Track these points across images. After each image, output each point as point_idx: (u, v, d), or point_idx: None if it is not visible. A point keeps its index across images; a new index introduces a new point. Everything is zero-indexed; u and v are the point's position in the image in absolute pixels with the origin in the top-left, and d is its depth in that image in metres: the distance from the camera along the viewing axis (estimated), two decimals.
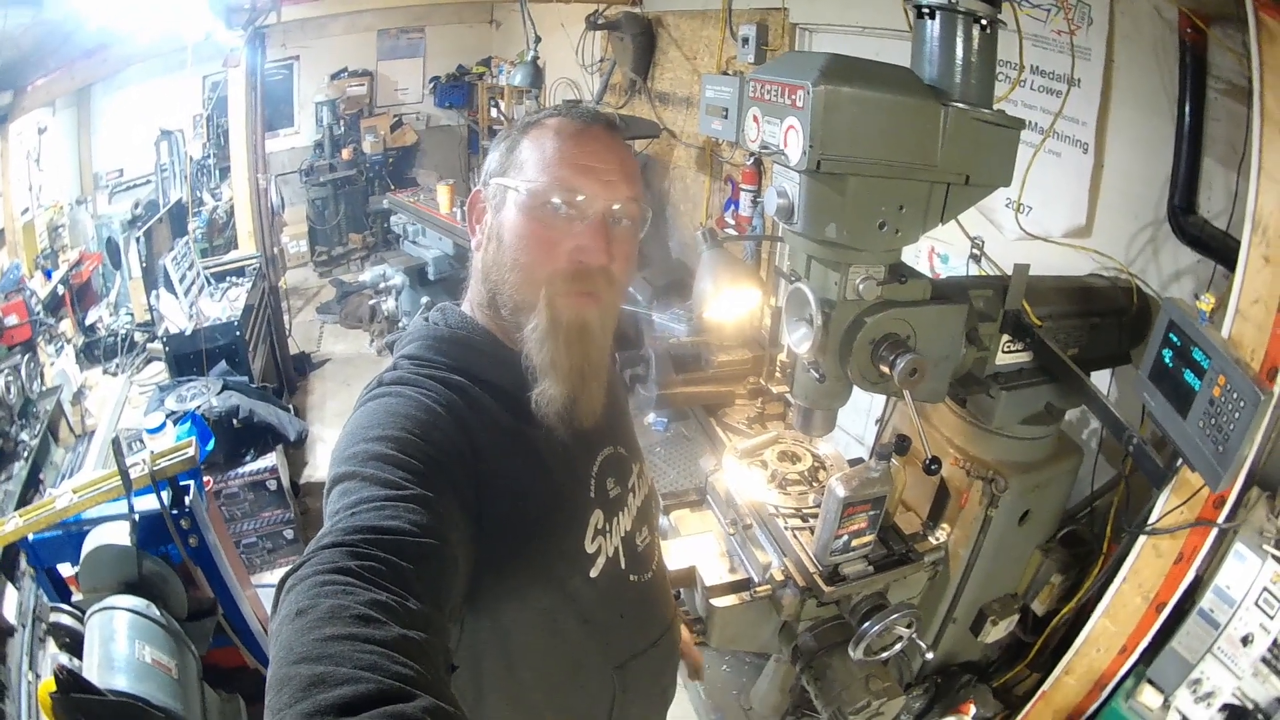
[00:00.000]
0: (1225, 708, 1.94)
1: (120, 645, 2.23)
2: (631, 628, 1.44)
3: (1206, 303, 1.76)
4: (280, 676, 0.70)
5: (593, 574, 1.30)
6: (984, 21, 1.54)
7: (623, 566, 1.39)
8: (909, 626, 1.96)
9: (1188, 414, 1.74)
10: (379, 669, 0.71)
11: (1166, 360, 1.84)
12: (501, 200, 1.23)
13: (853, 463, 2.24)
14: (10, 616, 3.25)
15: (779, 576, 1.99)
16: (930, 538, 2.12)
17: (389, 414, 1.07)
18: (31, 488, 4.20)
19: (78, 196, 6.36)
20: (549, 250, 1.20)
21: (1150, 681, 2.03)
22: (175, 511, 2.61)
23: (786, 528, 2.07)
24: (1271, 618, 1.80)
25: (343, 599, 0.78)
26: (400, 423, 1.06)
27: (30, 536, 2.56)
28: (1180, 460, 1.84)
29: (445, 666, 0.85)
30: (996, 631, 2.33)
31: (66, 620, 2.42)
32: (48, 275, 5.59)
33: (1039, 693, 2.27)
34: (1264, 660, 1.85)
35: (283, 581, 0.84)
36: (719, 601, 2.01)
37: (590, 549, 1.29)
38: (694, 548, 2.16)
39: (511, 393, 1.22)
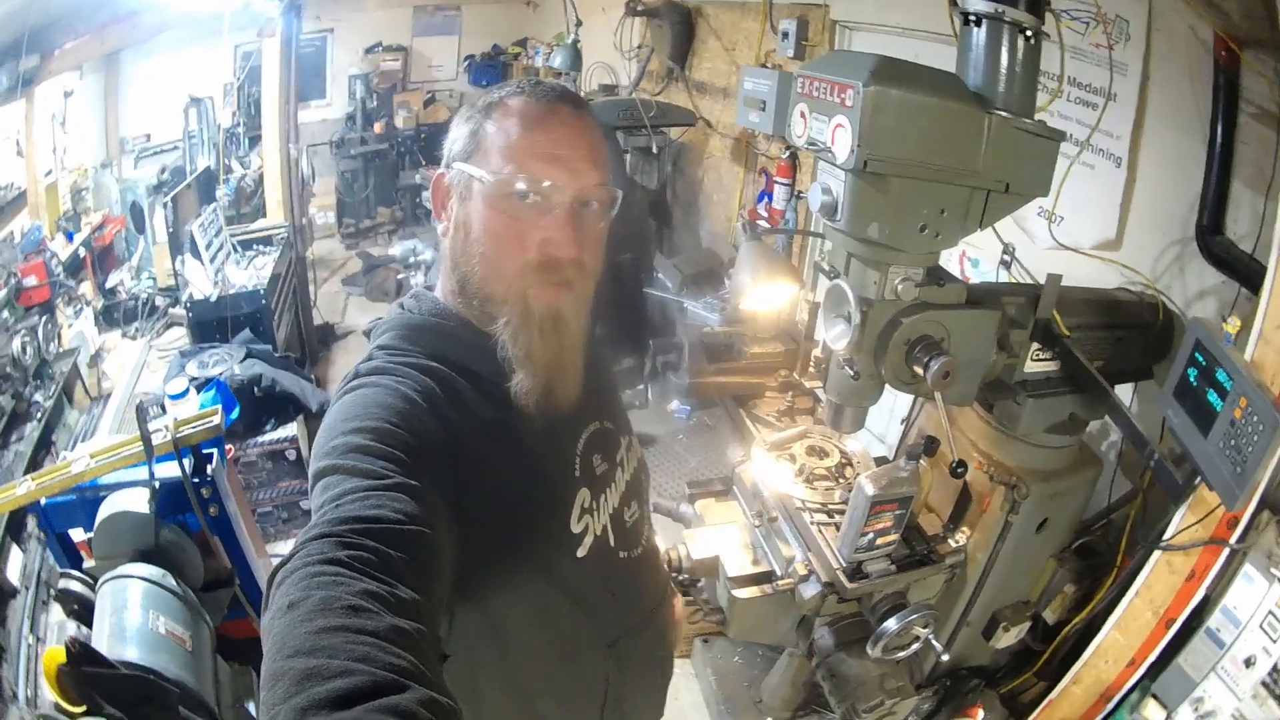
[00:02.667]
0: None
1: (133, 615, 2.19)
2: (623, 605, 1.45)
3: (1233, 325, 1.78)
4: (274, 671, 0.71)
5: (580, 554, 1.30)
6: (1029, 32, 1.56)
7: (612, 544, 1.39)
8: (926, 627, 1.98)
9: (1209, 433, 1.75)
10: (372, 660, 0.72)
11: (1191, 379, 1.85)
12: (467, 188, 1.21)
13: (878, 461, 2.26)
14: (14, 579, 3.24)
15: (802, 570, 2.01)
16: (950, 540, 2.13)
17: (367, 405, 1.08)
18: (43, 449, 4.20)
19: (103, 160, 6.37)
20: (518, 243, 1.19)
21: (1154, 696, 2.04)
22: (196, 480, 2.58)
23: (812, 522, 2.08)
24: (1275, 641, 1.80)
25: (333, 590, 0.79)
26: (378, 413, 1.06)
27: (42, 501, 2.52)
28: (1199, 478, 1.85)
29: (437, 655, 0.86)
30: (1008, 638, 2.34)
31: (76, 587, 2.39)
32: (69, 237, 5.59)
33: (1045, 701, 2.27)
34: (1264, 684, 1.85)
35: (273, 575, 0.85)
36: (741, 593, 2.03)
37: (576, 529, 1.29)
38: (718, 538, 2.18)
39: (489, 378, 1.22)
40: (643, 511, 1.54)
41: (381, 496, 0.94)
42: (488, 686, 1.32)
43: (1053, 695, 2.26)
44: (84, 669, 1.93)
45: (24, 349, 4.47)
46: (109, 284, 5.97)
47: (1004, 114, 1.54)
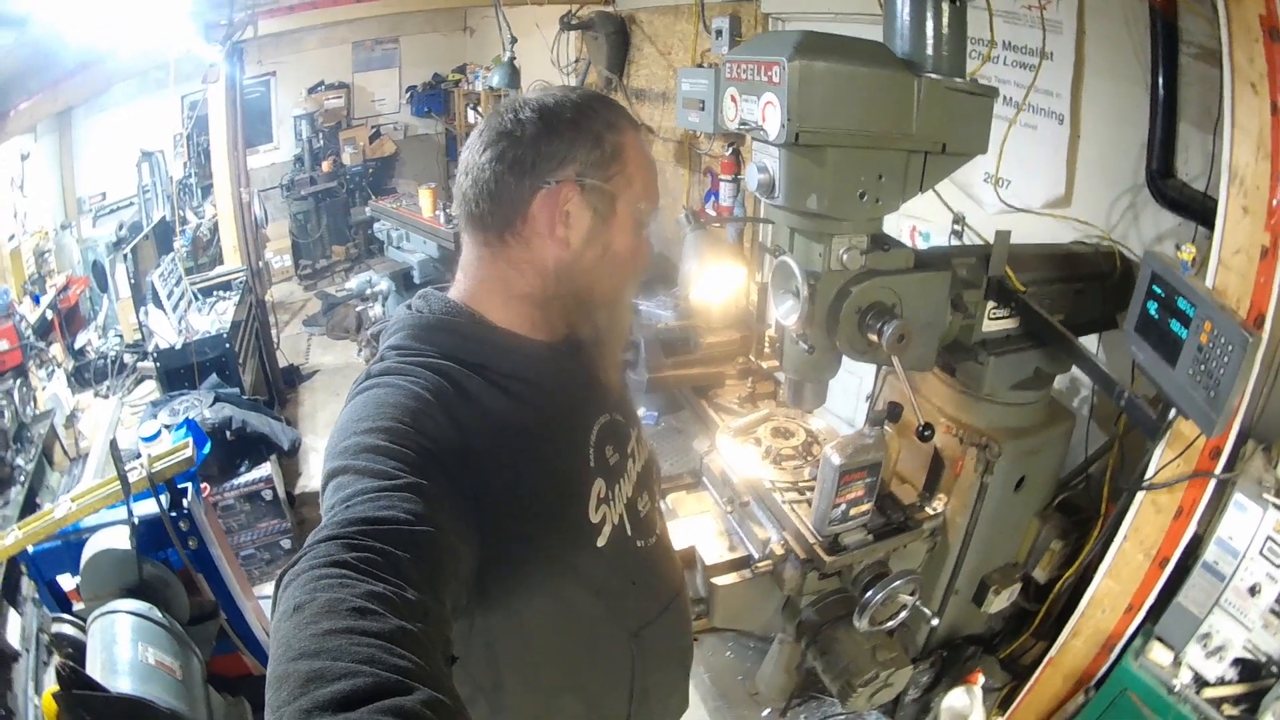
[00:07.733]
0: (1238, 662, 1.94)
1: (123, 648, 2.21)
2: (643, 593, 1.44)
3: (1188, 252, 1.79)
4: (279, 674, 0.71)
5: (599, 544, 1.29)
6: None
7: (629, 533, 1.39)
8: (912, 593, 1.96)
9: (1177, 363, 1.76)
10: (376, 662, 0.71)
11: (1152, 312, 1.86)
12: (610, 209, 1.22)
13: None
14: (14, 641, 3.22)
15: (779, 551, 1.99)
16: (927, 507, 2.13)
17: (378, 405, 1.07)
18: (29, 513, 4.14)
19: (62, 221, 6.34)
20: (644, 261, 1.31)
21: (1159, 639, 2.03)
22: (174, 514, 2.60)
23: (784, 502, 2.07)
24: (1278, 566, 1.80)
25: (339, 592, 0.78)
26: (390, 413, 1.05)
27: (30, 549, 2.53)
28: (1173, 412, 1.85)
29: (445, 657, 0.85)
30: (999, 601, 2.33)
31: (69, 630, 2.39)
32: (35, 300, 5.57)
33: (1047, 658, 2.27)
34: (1273, 611, 1.85)
35: (280, 577, 0.84)
36: (720, 580, 2.01)
37: (595, 519, 1.29)
38: (692, 528, 2.16)
39: (502, 374, 1.21)
40: (654, 503, 1.54)
41: (391, 497, 0.93)
42: (511, 685, 1.32)
43: (1053, 652, 2.25)
44: (75, 693, 1.96)
45: (2, 414, 4.44)
46: (77, 344, 5.92)
47: (934, 76, 1.54)
